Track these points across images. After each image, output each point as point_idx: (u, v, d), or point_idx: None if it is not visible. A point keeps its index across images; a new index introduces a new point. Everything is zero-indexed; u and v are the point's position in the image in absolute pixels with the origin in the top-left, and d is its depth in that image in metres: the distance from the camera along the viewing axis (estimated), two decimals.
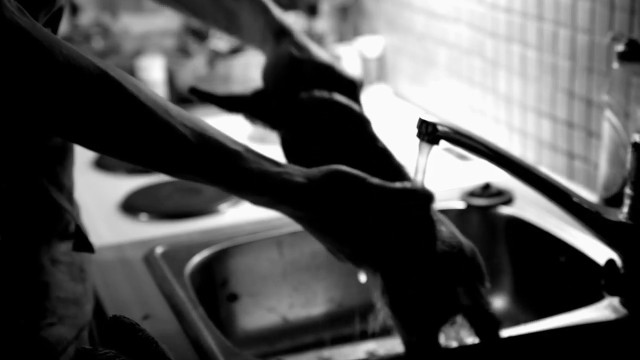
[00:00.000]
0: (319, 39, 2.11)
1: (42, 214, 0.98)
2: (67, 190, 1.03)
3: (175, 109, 0.88)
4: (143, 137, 0.84)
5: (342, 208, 0.90)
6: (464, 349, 1.01)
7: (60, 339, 0.96)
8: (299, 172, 0.90)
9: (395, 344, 1.34)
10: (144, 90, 0.85)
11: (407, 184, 0.93)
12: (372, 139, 1.03)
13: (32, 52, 0.78)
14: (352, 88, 1.08)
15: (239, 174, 0.87)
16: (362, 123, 1.04)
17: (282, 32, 1.09)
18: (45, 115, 0.81)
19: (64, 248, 1.01)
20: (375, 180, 0.91)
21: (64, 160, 1.04)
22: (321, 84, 1.07)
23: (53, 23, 0.95)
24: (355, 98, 1.08)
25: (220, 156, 0.86)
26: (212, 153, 0.86)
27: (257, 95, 1.10)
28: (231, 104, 1.10)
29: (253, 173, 0.87)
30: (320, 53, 1.10)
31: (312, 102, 1.05)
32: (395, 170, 1.01)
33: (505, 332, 1.03)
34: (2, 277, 0.94)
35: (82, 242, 1.00)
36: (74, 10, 2.39)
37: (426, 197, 0.93)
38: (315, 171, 0.91)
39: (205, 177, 0.87)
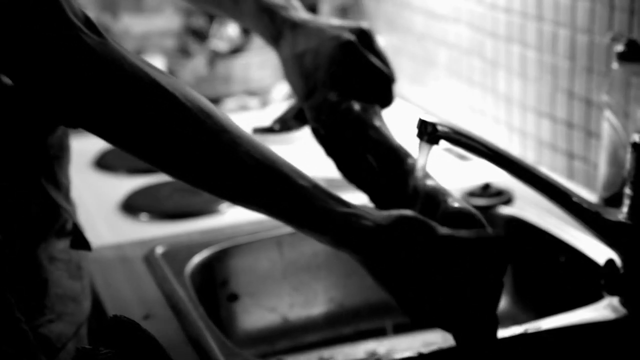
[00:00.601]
0: None
1: (40, 212, 0.99)
2: (64, 189, 1.04)
3: (245, 137, 0.86)
4: (205, 161, 0.84)
5: (409, 258, 0.86)
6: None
7: (60, 336, 0.97)
8: (367, 215, 0.86)
9: (395, 344, 1.34)
10: (214, 113, 0.84)
11: (481, 232, 0.88)
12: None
13: (97, 72, 0.79)
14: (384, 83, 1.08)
15: (302, 210, 0.85)
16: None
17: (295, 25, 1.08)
18: (113, 130, 0.82)
19: (61, 246, 1.01)
20: (444, 231, 0.87)
21: (61, 158, 1.04)
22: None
23: None
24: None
25: (285, 190, 0.85)
26: (277, 186, 0.85)
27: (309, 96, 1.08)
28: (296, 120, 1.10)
29: (317, 211, 0.85)
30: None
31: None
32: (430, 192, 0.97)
33: (505, 332, 1.03)
34: (1, 274, 0.94)
35: (79, 240, 1.01)
36: None
37: (503, 245, 0.88)
38: (384, 215, 0.87)
39: (269, 209, 0.86)
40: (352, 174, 1.04)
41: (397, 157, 1.01)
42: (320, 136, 1.06)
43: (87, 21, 0.81)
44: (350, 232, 0.85)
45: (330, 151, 1.06)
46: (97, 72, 0.79)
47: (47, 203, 0.98)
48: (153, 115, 0.81)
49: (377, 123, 1.04)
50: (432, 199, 0.94)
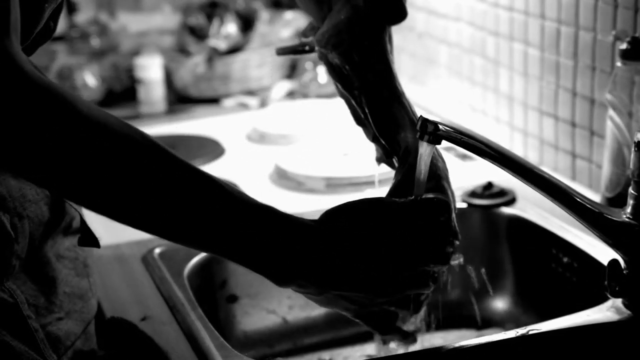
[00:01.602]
0: None
1: (47, 210, 0.98)
2: None
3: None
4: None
5: (354, 237, 0.87)
6: (464, 349, 1.00)
7: (69, 334, 0.97)
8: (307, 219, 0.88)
9: (395, 345, 1.33)
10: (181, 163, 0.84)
11: (420, 196, 0.89)
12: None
13: (56, 108, 0.78)
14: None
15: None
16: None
17: None
18: (72, 182, 0.81)
19: (68, 243, 1.01)
20: (385, 201, 0.88)
21: None
22: None
23: (54, 18, 0.95)
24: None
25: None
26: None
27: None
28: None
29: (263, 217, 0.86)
30: None
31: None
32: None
33: (507, 334, 1.02)
34: (10, 272, 0.94)
35: (87, 237, 1.01)
36: (72, 8, 2.38)
37: (444, 206, 0.90)
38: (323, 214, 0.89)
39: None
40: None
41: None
42: (332, 66, 1.05)
43: (30, 63, 0.80)
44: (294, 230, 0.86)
45: (338, 78, 1.04)
46: (55, 107, 0.78)
47: (54, 201, 0.98)
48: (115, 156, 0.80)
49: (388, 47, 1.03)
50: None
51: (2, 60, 0.77)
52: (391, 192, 0.97)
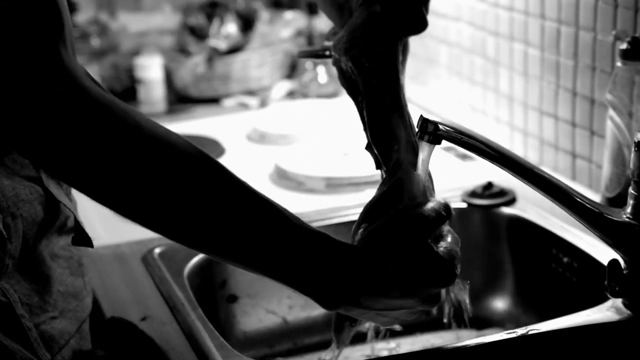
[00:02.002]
0: (318, 38, 2.11)
1: (41, 209, 0.98)
2: (65, 185, 1.03)
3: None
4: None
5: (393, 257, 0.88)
6: (464, 349, 1.00)
7: (63, 333, 0.97)
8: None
9: (395, 345, 1.33)
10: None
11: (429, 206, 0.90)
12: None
13: (118, 126, 0.79)
14: None
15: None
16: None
17: None
18: (130, 194, 0.82)
19: (62, 242, 1.01)
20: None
21: None
22: None
23: None
24: None
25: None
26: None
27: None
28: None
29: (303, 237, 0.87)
30: None
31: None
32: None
33: (507, 334, 1.02)
34: (4, 271, 0.94)
35: (81, 237, 1.01)
36: (72, 8, 2.38)
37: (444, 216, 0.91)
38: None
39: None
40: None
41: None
42: (342, 72, 1.04)
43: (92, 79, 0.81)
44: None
45: (347, 84, 1.04)
46: (117, 125, 0.79)
47: (48, 199, 0.98)
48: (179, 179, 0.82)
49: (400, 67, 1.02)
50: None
51: (60, 76, 0.78)
52: (377, 203, 0.97)
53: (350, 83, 1.03)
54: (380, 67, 1.00)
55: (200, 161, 0.84)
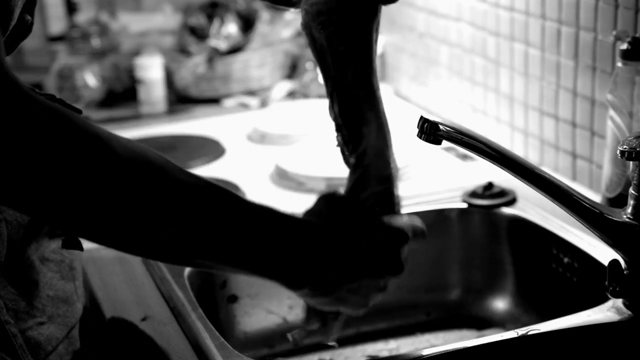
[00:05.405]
0: None
1: None
2: None
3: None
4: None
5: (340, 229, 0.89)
6: (464, 349, 1.00)
7: (50, 338, 0.96)
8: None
9: (396, 347, 1.33)
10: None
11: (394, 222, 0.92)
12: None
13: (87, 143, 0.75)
14: None
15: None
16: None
17: None
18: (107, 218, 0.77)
19: (53, 246, 1.00)
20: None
21: None
22: None
23: (29, 10, 0.92)
24: None
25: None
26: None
27: None
28: None
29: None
30: None
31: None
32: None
33: (508, 334, 1.02)
34: None
35: (70, 240, 1.00)
36: (72, 9, 2.38)
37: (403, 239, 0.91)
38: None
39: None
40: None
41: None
42: (313, 40, 1.03)
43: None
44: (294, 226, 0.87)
45: (317, 54, 1.03)
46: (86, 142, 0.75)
47: None
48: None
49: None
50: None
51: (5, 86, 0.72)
52: (348, 192, 0.99)
53: (322, 55, 1.02)
54: (354, 55, 1.00)
55: (141, 161, 0.79)
